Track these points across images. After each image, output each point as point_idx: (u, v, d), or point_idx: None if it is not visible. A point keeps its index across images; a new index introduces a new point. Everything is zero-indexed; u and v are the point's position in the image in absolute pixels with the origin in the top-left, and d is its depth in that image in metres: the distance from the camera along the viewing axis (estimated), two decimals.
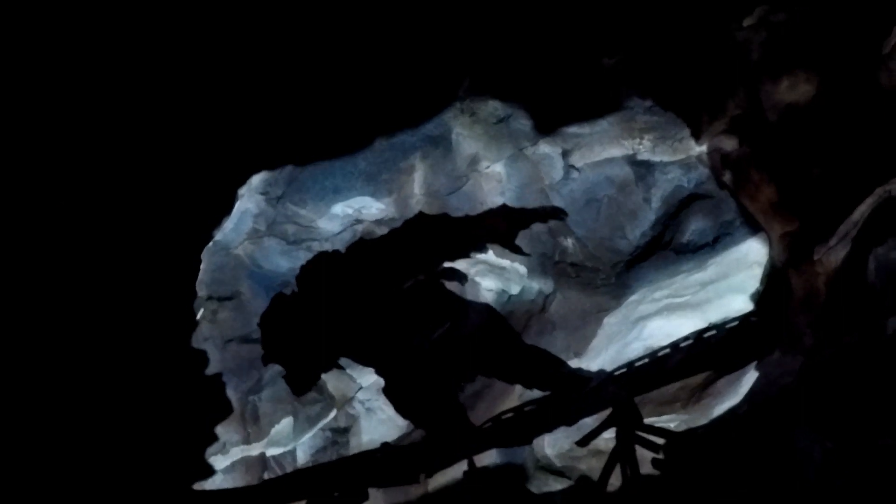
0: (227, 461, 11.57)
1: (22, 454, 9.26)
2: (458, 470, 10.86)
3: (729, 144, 9.47)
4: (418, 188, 10.89)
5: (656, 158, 10.22)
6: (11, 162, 8.61)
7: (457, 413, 11.48)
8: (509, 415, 11.10)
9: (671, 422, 10.54)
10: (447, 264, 11.33)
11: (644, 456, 9.62)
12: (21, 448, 9.26)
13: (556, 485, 11.49)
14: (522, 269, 11.05)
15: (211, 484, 11.47)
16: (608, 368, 10.73)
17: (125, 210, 10.24)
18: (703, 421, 10.30)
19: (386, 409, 11.70)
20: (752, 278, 10.04)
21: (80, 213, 9.63)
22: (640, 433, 9.75)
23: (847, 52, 7.89)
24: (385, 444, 11.43)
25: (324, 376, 11.60)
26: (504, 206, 10.88)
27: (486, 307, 11.41)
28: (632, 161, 10.33)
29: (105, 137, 9.77)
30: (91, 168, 9.81)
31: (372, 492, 10.89)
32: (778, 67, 8.41)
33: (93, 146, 9.65)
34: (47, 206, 9.08)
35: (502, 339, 11.43)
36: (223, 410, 11.50)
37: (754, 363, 9.86)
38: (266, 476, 11.71)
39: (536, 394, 11.21)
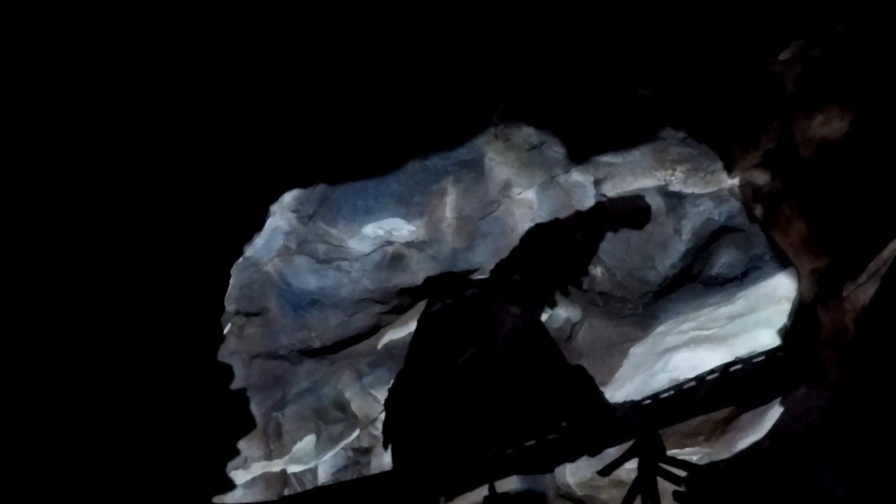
0: (248, 476, 11.52)
1: (38, 468, 9.30)
2: (478, 495, 10.77)
3: (761, 178, 9.50)
4: (450, 212, 10.98)
5: (688, 190, 10.28)
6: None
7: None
8: (532, 442, 11.06)
9: (694, 454, 10.42)
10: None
11: (665, 488, 9.55)
12: (37, 462, 9.30)
13: None
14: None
15: (231, 498, 11.43)
16: (633, 399, 10.69)
17: (157, 222, 10.41)
18: (726, 455, 10.19)
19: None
20: (780, 313, 9.96)
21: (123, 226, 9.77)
22: (663, 465, 9.68)
23: (882, 89, 7.93)
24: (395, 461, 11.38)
25: (347, 396, 11.60)
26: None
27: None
28: (663, 192, 10.40)
29: (142, 152, 9.96)
30: (126, 183, 9.98)
31: None
32: (812, 102, 8.43)
33: (126, 159, 9.81)
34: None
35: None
36: (246, 425, 11.51)
37: (779, 399, 9.81)
38: (286, 493, 11.67)
39: None
